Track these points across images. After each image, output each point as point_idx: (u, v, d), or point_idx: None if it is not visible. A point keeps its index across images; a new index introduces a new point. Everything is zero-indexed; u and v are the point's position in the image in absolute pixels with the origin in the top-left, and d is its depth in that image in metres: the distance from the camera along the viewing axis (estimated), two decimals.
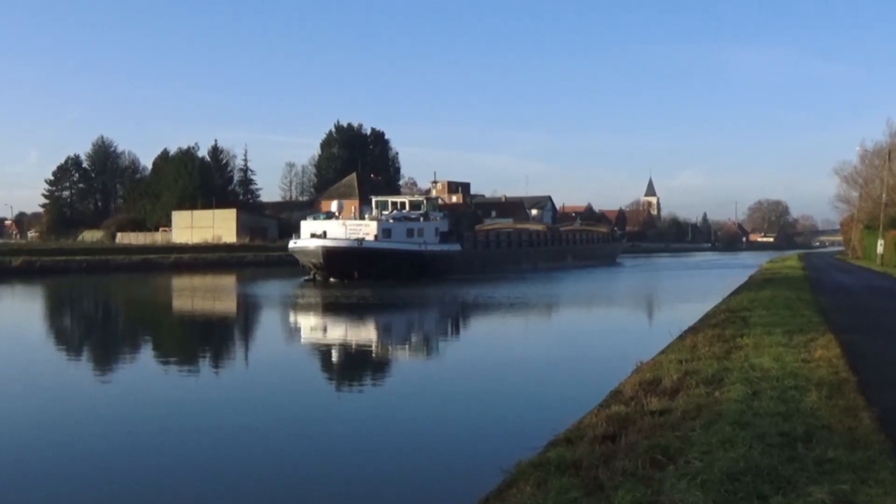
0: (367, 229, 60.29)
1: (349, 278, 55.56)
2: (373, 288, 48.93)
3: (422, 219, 65.64)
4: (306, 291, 50.58)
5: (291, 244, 60.84)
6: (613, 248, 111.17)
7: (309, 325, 34.74)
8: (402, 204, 69.59)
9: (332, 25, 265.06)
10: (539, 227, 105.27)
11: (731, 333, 18.11)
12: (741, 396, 10.88)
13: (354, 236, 58.99)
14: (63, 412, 16.09)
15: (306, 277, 58.15)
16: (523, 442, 10.63)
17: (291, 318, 37.49)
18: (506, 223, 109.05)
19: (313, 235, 59.72)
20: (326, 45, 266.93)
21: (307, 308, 41.73)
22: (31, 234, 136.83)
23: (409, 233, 63.14)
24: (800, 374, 12.40)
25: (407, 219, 64.97)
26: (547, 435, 10.29)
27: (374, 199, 72.66)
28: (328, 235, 59.30)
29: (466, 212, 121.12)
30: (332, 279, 56.48)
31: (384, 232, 60.71)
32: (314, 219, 64.98)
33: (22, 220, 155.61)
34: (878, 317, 22.84)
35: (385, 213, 66.16)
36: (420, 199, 72.59)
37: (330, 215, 64.60)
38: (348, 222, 61.90)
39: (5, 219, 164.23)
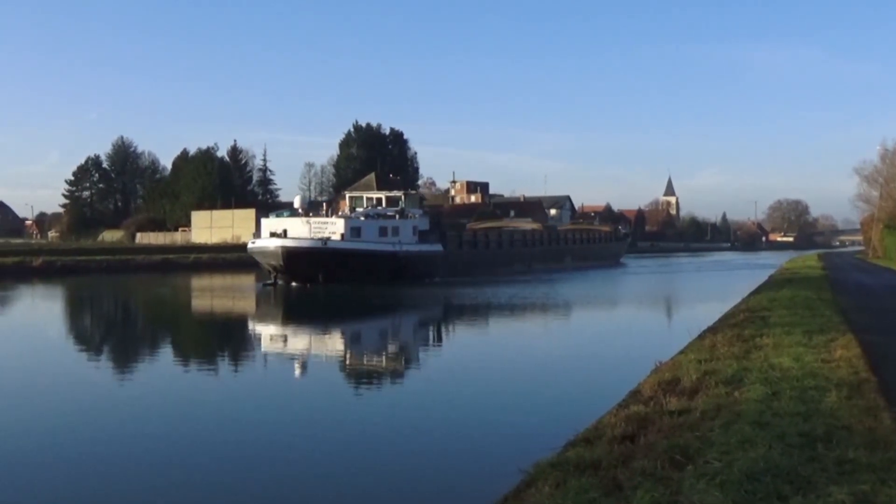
0: (333, 227, 54.79)
1: (312, 282, 50.97)
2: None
3: (398, 216, 60.12)
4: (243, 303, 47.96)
5: (250, 244, 55.61)
6: (616, 247, 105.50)
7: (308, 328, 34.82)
8: (379, 200, 64.00)
9: (351, 26, 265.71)
10: (534, 226, 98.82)
11: (751, 333, 18.04)
12: (761, 396, 10.84)
13: (319, 235, 53.76)
14: (79, 411, 16.23)
15: (266, 282, 52.91)
16: (541, 442, 10.63)
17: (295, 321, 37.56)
18: (524, 222, 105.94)
19: (273, 234, 54.23)
20: (345, 45, 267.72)
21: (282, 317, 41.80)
22: (52, 234, 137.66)
23: (382, 231, 57.65)
24: (819, 375, 12.35)
25: (380, 216, 59.72)
26: (565, 435, 10.28)
27: (347, 195, 67.89)
28: (289, 234, 53.70)
29: (482, 210, 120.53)
30: (293, 283, 51.97)
31: (352, 230, 55.33)
32: (277, 216, 59.22)
33: (42, 221, 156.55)
34: None
35: (360, 209, 61.25)
36: (398, 194, 65.74)
37: (294, 212, 58.49)
38: (313, 220, 55.84)
39: (26, 219, 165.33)
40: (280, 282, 51.95)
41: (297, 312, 40.44)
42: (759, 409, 10.10)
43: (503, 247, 76.49)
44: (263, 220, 58.31)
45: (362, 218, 58.13)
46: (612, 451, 8.87)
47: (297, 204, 60.49)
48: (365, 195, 66.59)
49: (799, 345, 15.66)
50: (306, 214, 57.16)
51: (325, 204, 67.64)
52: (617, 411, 11.24)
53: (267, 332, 32.43)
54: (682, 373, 13.43)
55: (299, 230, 54.43)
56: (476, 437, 13.82)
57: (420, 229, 61.24)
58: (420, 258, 58.77)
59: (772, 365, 13.40)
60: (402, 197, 64.16)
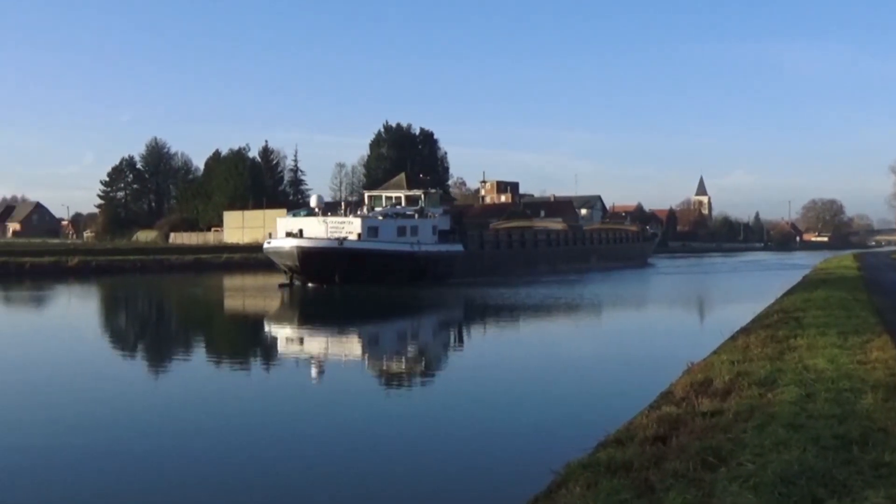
0: (350, 227, 53.35)
1: (329, 282, 49.98)
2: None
3: (417, 215, 58.71)
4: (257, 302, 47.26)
5: (266, 245, 54.68)
6: (644, 247, 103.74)
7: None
8: (398, 199, 62.70)
9: (382, 27, 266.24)
10: (559, 226, 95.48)
11: (785, 334, 17.88)
12: (795, 398, 10.74)
13: (335, 235, 52.45)
14: (111, 408, 16.39)
15: (282, 282, 51.85)
16: (573, 442, 10.61)
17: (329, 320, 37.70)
18: (551, 222, 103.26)
19: (289, 234, 53.19)
20: (375, 46, 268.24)
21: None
22: (87, 234, 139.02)
23: (401, 231, 56.35)
24: (855, 376, 12.21)
25: (399, 216, 58.42)
26: (597, 435, 10.25)
27: (366, 195, 66.58)
28: (305, 234, 52.66)
29: (512, 210, 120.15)
30: (310, 284, 51.09)
31: (369, 230, 53.98)
32: (294, 216, 58.31)
33: (78, 221, 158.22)
34: None
35: (378, 209, 59.96)
36: (418, 193, 64.27)
37: (311, 212, 56.97)
38: (330, 219, 54.29)
39: (62, 219, 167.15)
40: (296, 282, 51.33)
41: (315, 313, 40.18)
42: (794, 410, 10.01)
43: (526, 247, 74.71)
44: (279, 220, 57.50)
45: (380, 217, 56.95)
46: (644, 452, 8.83)
47: (313, 203, 58.96)
48: (384, 194, 65.50)
49: (834, 346, 15.50)
50: (324, 214, 55.97)
51: (343, 203, 66.06)
52: (649, 412, 11.19)
53: (284, 335, 32.27)
54: (714, 374, 13.34)
55: (315, 230, 53.34)
56: (506, 438, 13.82)
57: (440, 229, 59.96)
58: (439, 258, 57.50)
59: (806, 366, 13.28)
60: (423, 196, 62.82)
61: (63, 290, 52.42)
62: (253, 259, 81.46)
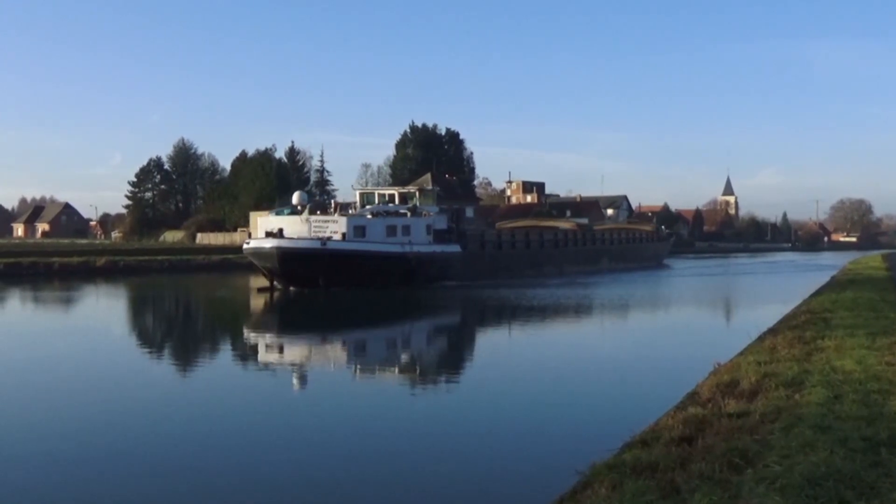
0: (334, 227, 49.72)
1: (313, 286, 46.89)
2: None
3: (409, 214, 54.79)
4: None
5: (245, 245, 51.98)
6: (658, 248, 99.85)
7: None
8: (391, 196, 59.10)
9: (407, 27, 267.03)
10: (568, 226, 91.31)
11: (812, 335, 17.76)
12: (822, 399, 10.68)
13: (319, 235, 49.00)
14: (133, 405, 16.56)
15: (261, 287, 49.24)
16: (598, 443, 10.59)
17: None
18: (561, 221, 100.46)
19: (269, 234, 49.63)
20: (401, 46, 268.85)
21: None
22: (115, 234, 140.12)
23: (390, 231, 52.55)
24: (884, 378, 12.12)
25: (389, 214, 54.60)
26: (622, 436, 10.23)
27: (357, 192, 62.85)
28: (285, 234, 48.99)
29: (538, 210, 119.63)
30: (291, 287, 48.38)
31: (356, 230, 50.40)
32: (277, 214, 53.94)
33: (106, 221, 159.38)
34: None
35: (368, 207, 56.26)
36: (412, 190, 61.46)
37: (294, 210, 52.80)
38: (314, 218, 50.46)
39: (90, 220, 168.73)
40: (278, 286, 48.73)
41: (293, 320, 38.41)
42: (821, 412, 9.95)
43: (531, 247, 70.86)
44: (259, 219, 53.39)
45: (369, 216, 53.29)
46: (670, 453, 8.81)
47: (295, 200, 54.40)
48: (377, 192, 62.12)
49: (862, 347, 15.38)
50: (312, 213, 52.27)
51: (333, 202, 61.69)
52: (674, 413, 11.15)
53: (274, 342, 32.43)
54: (741, 375, 13.28)
55: (297, 229, 49.79)
56: (531, 438, 13.83)
57: (435, 228, 56.47)
58: (434, 259, 54.25)
59: (834, 367, 13.19)
60: (417, 193, 59.82)
61: (91, 291, 52.89)
62: None
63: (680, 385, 14.36)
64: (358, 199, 60.08)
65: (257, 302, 44.43)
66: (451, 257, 56.12)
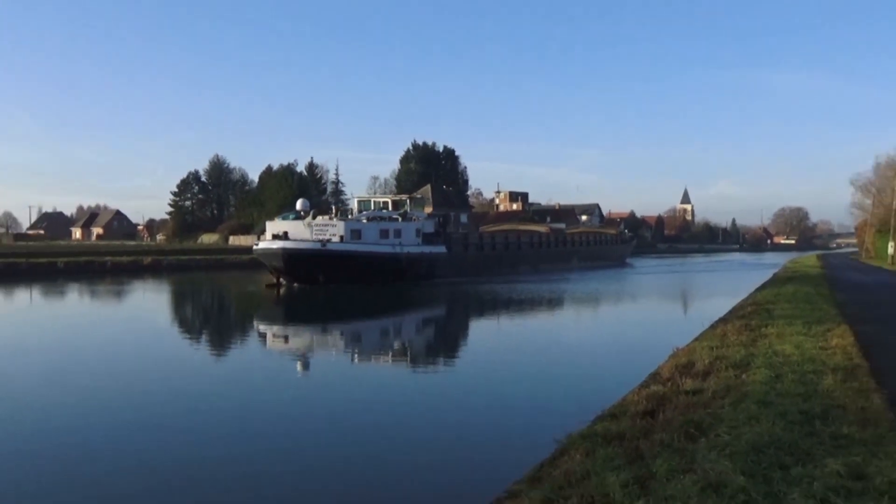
0: (333, 230, 49.20)
1: (313, 283, 46.46)
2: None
3: (400, 219, 54.07)
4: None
5: (255, 246, 50.80)
6: (621, 249, 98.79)
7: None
8: (385, 203, 58.39)
9: (411, 60, 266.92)
10: (543, 230, 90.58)
11: (757, 324, 17.80)
12: (765, 379, 10.71)
13: (319, 237, 48.40)
14: (169, 378, 16.54)
15: (268, 283, 48.11)
16: (573, 417, 10.58)
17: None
18: (535, 226, 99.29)
19: (275, 237, 48.97)
20: (405, 76, 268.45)
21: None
22: (159, 237, 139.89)
23: (383, 233, 51.59)
24: (817, 360, 12.16)
25: (382, 219, 53.58)
26: (594, 410, 10.26)
27: (356, 199, 61.54)
28: (290, 237, 48.44)
29: (522, 216, 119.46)
30: (295, 284, 47.47)
31: (352, 233, 49.66)
32: (283, 219, 52.74)
33: (151, 226, 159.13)
34: (888, 310, 22.20)
35: (364, 212, 55.21)
36: (404, 198, 60.72)
37: (298, 215, 52.24)
38: (315, 222, 49.99)
39: (138, 224, 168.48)
40: (283, 282, 47.68)
41: (298, 312, 37.12)
42: (764, 389, 9.98)
43: (510, 249, 70.29)
44: (268, 223, 52.76)
45: (364, 220, 52.18)
46: (635, 425, 8.83)
47: (298, 207, 54.29)
48: (373, 199, 60.98)
49: (799, 334, 15.43)
50: (314, 217, 51.41)
51: (333, 208, 60.07)
52: (639, 390, 11.17)
53: (279, 332, 32.39)
54: (696, 357, 13.31)
55: (300, 232, 49.10)
56: (515, 413, 13.78)
57: (424, 232, 55.70)
58: (422, 259, 53.53)
59: (775, 351, 13.22)
60: (408, 201, 59.30)
61: (138, 285, 52.74)
62: None
63: (644, 366, 14.38)
64: (356, 205, 59.41)
65: (269, 296, 43.95)
66: (438, 257, 55.65)
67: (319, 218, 51.53)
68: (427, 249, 54.57)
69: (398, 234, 52.46)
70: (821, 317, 18.94)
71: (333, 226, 49.59)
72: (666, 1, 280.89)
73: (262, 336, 27.26)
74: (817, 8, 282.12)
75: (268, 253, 47.83)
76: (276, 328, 29.87)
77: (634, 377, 13.15)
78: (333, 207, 60.42)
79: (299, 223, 50.09)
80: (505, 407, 14.22)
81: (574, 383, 16.52)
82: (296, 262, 46.63)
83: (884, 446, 7.28)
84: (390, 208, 56.99)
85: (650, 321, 31.52)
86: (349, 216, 53.86)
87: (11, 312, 35.65)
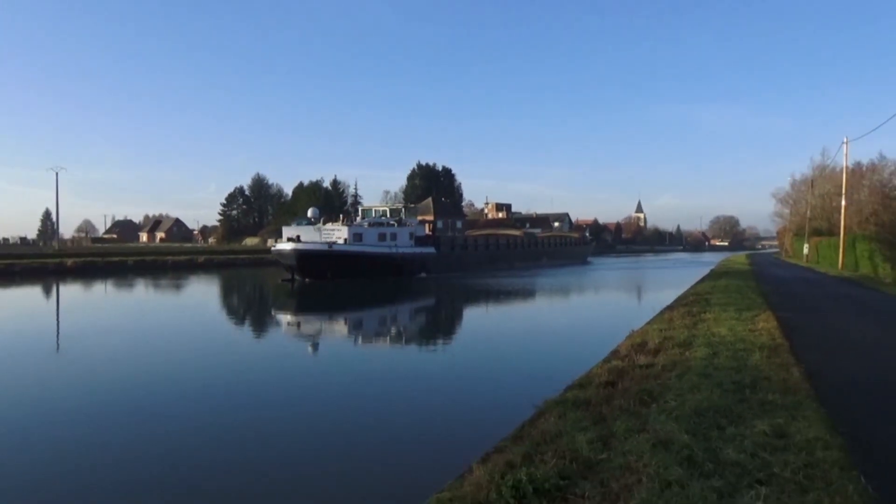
0: (338, 234, 48.75)
1: (322, 278, 45.67)
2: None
3: (396, 225, 53.43)
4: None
5: (273, 248, 50.03)
6: (583, 250, 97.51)
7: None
8: (384, 212, 57.05)
9: (416, 97, 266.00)
10: (517, 234, 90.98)
11: (698, 310, 17.78)
12: (705, 355, 10.69)
13: (327, 240, 48.15)
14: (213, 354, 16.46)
15: (284, 278, 47.11)
16: (548, 386, 10.56)
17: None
18: (511, 230, 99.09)
19: (289, 240, 48.39)
20: (412, 109, 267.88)
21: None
22: (211, 240, 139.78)
23: (381, 237, 51.11)
24: (747, 340, 12.14)
25: (381, 224, 52.75)
26: (565, 381, 10.23)
27: (360, 208, 60.88)
28: (302, 240, 48.15)
29: (506, 223, 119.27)
30: (306, 279, 46.29)
31: (355, 236, 49.28)
32: (297, 224, 52.43)
33: (205, 231, 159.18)
34: (804, 299, 22.15)
35: (366, 219, 54.63)
36: (399, 206, 60.24)
37: (309, 222, 51.74)
38: (323, 227, 49.63)
39: (193, 230, 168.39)
40: (297, 278, 46.67)
41: (312, 303, 36.15)
42: (704, 364, 9.96)
43: (490, 249, 69.80)
44: (284, 228, 51.54)
45: (365, 226, 51.67)
46: (599, 393, 8.81)
47: (309, 214, 53.22)
48: (374, 208, 59.39)
49: (732, 319, 15.41)
50: (323, 224, 51.32)
51: (342, 216, 59.75)
52: (602, 365, 11.15)
53: (292, 319, 32.13)
54: (648, 338, 13.29)
55: (311, 236, 48.82)
56: (498, 383, 13.77)
57: (417, 235, 55.05)
58: (414, 258, 52.85)
59: (713, 333, 13.21)
60: (403, 210, 58.85)
61: (194, 279, 52.59)
62: None
63: (605, 345, 14.36)
64: (360, 213, 59.05)
65: (284, 288, 43.24)
66: (428, 257, 55.08)
67: (328, 224, 51.18)
68: (419, 250, 53.98)
69: (394, 237, 52.02)
70: (749, 304, 18.92)
71: (339, 230, 49.15)
72: (626, 55, 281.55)
73: (279, 323, 26.92)
74: (738, 53, 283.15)
75: (283, 253, 47.31)
76: (290, 317, 29.04)
77: (598, 354, 13.14)
78: (342, 216, 60.02)
79: (310, 228, 49.79)
80: (489, 378, 14.21)
81: (548, 359, 16.50)
82: (307, 260, 46.19)
83: (801, 411, 7.28)
84: (388, 215, 56.12)
85: (610, 308, 31.45)
86: (353, 222, 53.47)
87: (98, 299, 35.55)
